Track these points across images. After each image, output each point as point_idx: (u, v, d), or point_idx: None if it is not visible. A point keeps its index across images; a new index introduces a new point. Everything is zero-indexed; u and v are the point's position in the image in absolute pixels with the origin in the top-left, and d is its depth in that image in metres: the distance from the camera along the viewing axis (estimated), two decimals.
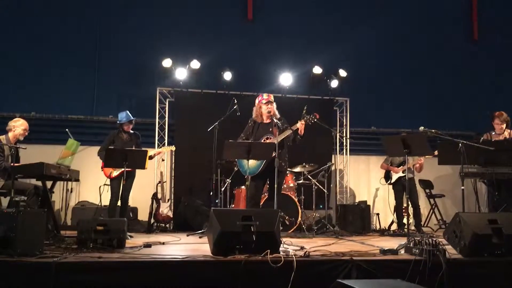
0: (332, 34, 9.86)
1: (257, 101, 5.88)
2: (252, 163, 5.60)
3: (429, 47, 10.26)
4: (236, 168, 7.70)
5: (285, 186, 7.49)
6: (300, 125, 5.46)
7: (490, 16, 10.64)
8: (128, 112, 6.67)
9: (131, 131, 6.70)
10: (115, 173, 6.38)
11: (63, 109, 8.78)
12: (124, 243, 4.44)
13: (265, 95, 5.82)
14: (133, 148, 6.46)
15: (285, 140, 5.63)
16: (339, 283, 3.15)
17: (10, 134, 5.70)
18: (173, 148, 7.39)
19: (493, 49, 10.43)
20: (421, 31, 10.26)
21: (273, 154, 5.35)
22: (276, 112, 5.81)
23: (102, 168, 6.46)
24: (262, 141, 5.67)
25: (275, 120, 5.64)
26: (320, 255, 4.04)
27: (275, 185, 5.40)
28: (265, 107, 5.75)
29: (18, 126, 5.73)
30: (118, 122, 6.68)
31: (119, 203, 6.44)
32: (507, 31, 10.42)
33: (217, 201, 7.21)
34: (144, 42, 9.17)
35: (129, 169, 5.97)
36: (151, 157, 6.53)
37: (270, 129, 5.71)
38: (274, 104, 5.82)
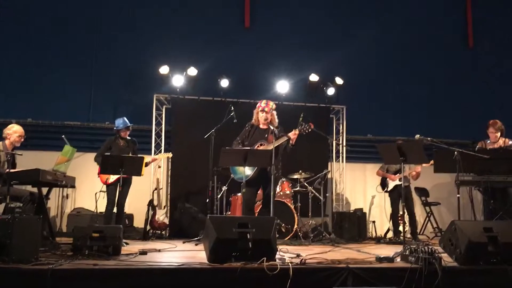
0: (328, 42, 9.91)
1: (257, 105, 5.89)
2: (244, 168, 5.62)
3: (425, 55, 10.33)
4: (232, 175, 7.73)
5: (281, 193, 7.49)
6: (293, 134, 5.47)
7: (485, 23, 10.72)
8: (125, 118, 6.67)
9: (128, 138, 6.70)
10: (112, 179, 6.36)
11: (60, 115, 8.76)
12: (119, 250, 4.43)
13: (263, 103, 5.84)
14: (130, 154, 6.46)
15: (280, 148, 5.63)
16: None
17: (7, 141, 5.70)
18: (169, 155, 7.37)
19: (488, 56, 10.50)
20: (417, 39, 10.33)
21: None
22: (275, 120, 5.83)
23: (98, 174, 6.45)
24: (256, 147, 5.69)
25: (271, 128, 5.66)
26: (316, 262, 4.04)
27: (271, 193, 5.39)
28: (261, 114, 5.79)
29: (13, 133, 5.73)
30: (115, 128, 6.67)
31: (115, 209, 6.43)
32: (502, 39, 10.52)
33: (213, 208, 7.21)
34: (141, 49, 9.19)
35: (125, 176, 5.97)
36: (147, 164, 6.51)
37: (266, 136, 5.73)
38: (274, 112, 5.84)
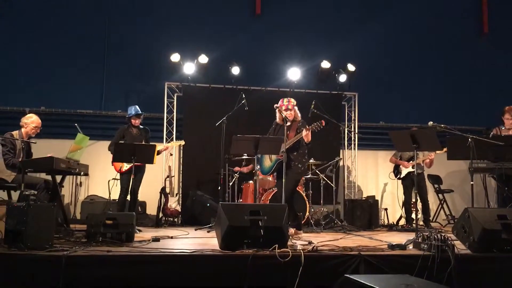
0: (340, 29, 9.81)
1: (279, 104, 5.88)
2: (267, 162, 5.82)
3: (438, 41, 10.19)
4: (244, 163, 7.76)
5: None
6: (305, 133, 5.46)
7: (500, 9, 10.52)
8: (137, 106, 6.70)
9: (141, 126, 6.73)
10: (125, 167, 6.40)
11: (72, 104, 8.83)
12: (132, 237, 4.47)
13: (285, 101, 5.81)
14: (142, 142, 6.49)
15: (300, 143, 5.62)
16: (347, 278, 3.15)
17: (23, 130, 5.76)
18: (182, 142, 7.41)
19: (503, 42, 10.32)
20: (430, 25, 10.18)
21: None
22: (298, 115, 5.83)
23: (112, 162, 6.50)
24: (287, 144, 5.67)
25: (294, 123, 5.69)
26: (328, 250, 4.04)
27: (283, 180, 5.41)
28: (285, 112, 5.77)
29: (30, 123, 5.78)
30: (127, 116, 6.72)
31: (128, 197, 6.48)
32: None
33: (225, 195, 7.24)
34: (152, 37, 9.19)
35: (139, 164, 6.00)
36: (159, 152, 6.54)
37: (288, 132, 5.72)
38: (295, 108, 5.81)
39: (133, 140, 6.47)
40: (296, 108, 5.84)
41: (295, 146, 5.61)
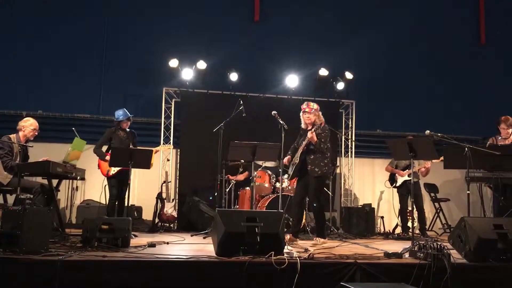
0: (338, 37, 9.86)
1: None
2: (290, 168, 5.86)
3: (436, 50, 10.25)
4: (241, 169, 7.75)
5: (289, 187, 7.49)
6: (310, 135, 5.46)
7: (498, 20, 10.61)
8: (125, 109, 6.69)
9: (127, 129, 6.71)
10: (112, 171, 6.38)
11: (70, 107, 8.82)
12: (128, 242, 4.46)
13: (304, 105, 5.79)
14: (131, 146, 6.49)
15: (317, 146, 5.58)
16: (342, 286, 3.15)
17: (21, 133, 5.75)
18: (170, 146, 7.38)
19: (500, 53, 10.40)
20: (428, 35, 10.24)
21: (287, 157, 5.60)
22: (319, 119, 5.73)
23: (98, 166, 6.48)
24: (300, 148, 5.67)
25: (309, 126, 5.70)
26: (324, 257, 4.04)
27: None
28: (303, 116, 5.77)
29: (28, 126, 5.77)
30: (115, 119, 6.70)
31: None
32: None
33: (221, 202, 7.23)
34: (151, 42, 9.20)
35: (126, 168, 5.96)
36: None
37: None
38: (315, 112, 5.73)
39: (121, 143, 6.47)
40: (319, 112, 5.75)
41: (311, 150, 5.54)
